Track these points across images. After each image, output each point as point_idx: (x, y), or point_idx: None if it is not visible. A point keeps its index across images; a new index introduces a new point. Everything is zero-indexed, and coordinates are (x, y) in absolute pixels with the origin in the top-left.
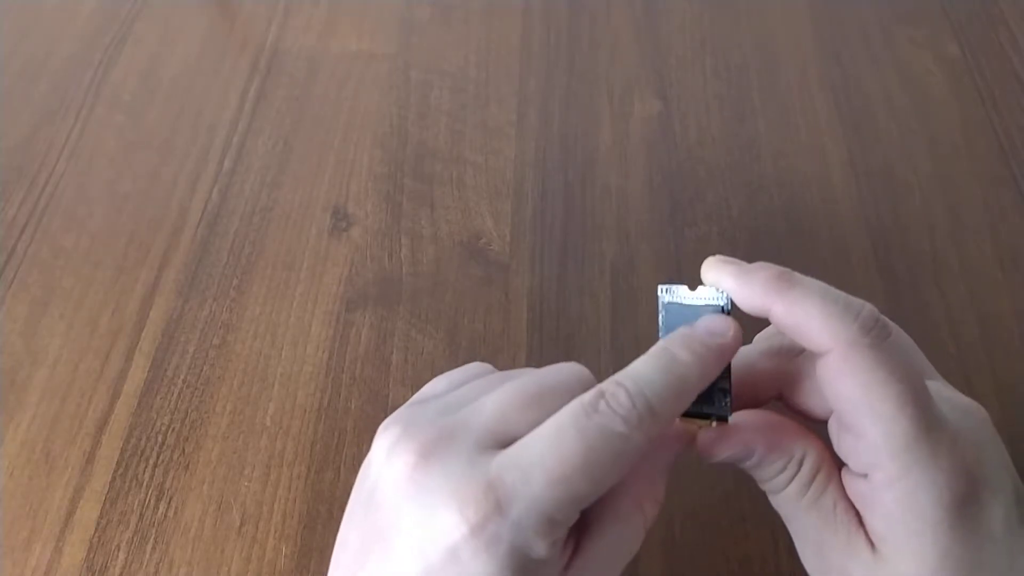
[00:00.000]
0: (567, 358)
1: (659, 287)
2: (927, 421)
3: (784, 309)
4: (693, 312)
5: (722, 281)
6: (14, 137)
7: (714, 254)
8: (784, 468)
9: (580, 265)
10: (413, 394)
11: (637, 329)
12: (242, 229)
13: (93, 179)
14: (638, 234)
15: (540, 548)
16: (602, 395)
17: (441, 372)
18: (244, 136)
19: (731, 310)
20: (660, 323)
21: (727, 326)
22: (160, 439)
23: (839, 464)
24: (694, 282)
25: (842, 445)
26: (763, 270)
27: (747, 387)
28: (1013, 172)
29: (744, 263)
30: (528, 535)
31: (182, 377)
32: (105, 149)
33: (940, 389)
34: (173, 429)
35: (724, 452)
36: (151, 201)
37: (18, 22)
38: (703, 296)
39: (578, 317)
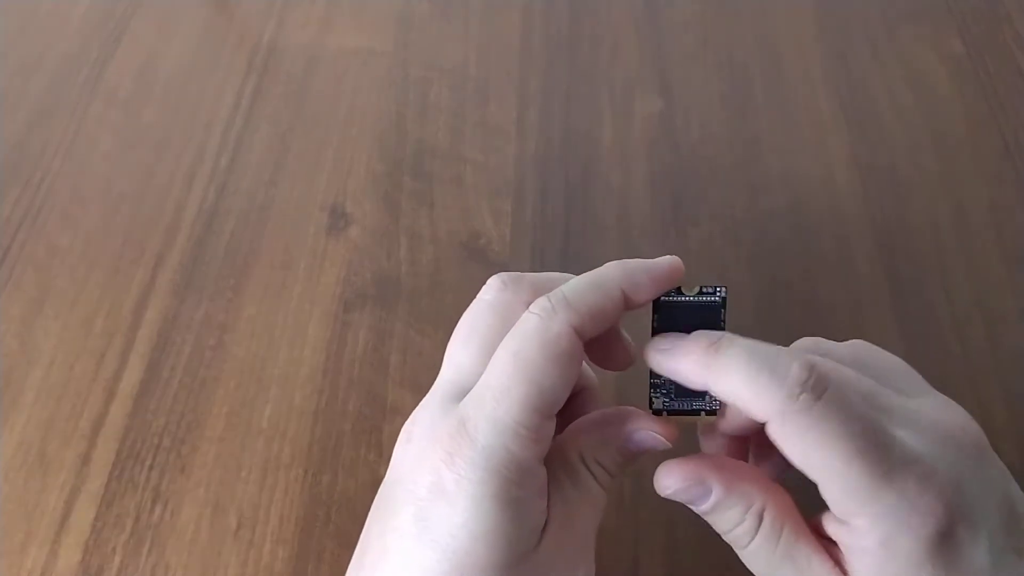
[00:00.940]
0: None
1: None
2: (885, 466)
3: (715, 387)
4: (691, 309)
5: (662, 367)
6: (9, 135)
7: (717, 254)
8: (743, 518)
9: (581, 265)
10: (412, 396)
11: (638, 329)
12: (239, 228)
13: (88, 178)
14: (640, 233)
15: (514, 468)
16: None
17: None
18: (241, 134)
19: (726, 305)
20: (655, 323)
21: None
22: (156, 441)
23: (802, 518)
24: (696, 282)
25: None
26: (694, 343)
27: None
28: (1018, 170)
29: (681, 342)
30: (499, 455)
31: (178, 378)
32: (101, 147)
33: (921, 414)
34: (169, 431)
35: (677, 482)
36: (147, 200)
37: (13, 19)
38: (697, 294)
39: None
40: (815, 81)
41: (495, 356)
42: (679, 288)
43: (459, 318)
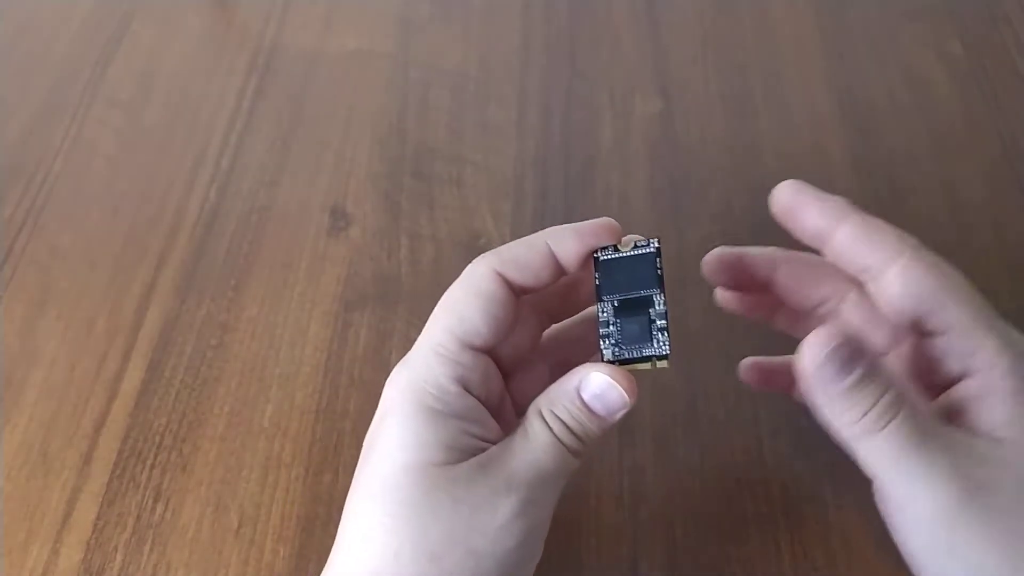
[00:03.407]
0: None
1: (595, 253)
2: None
3: (859, 221)
4: (628, 263)
5: (799, 197)
6: (10, 136)
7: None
8: (886, 391)
9: None
10: None
11: None
12: (240, 229)
13: (90, 178)
14: (640, 233)
15: (431, 382)
16: None
17: None
18: (242, 135)
19: (660, 254)
20: (596, 281)
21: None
22: (158, 440)
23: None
24: (698, 284)
25: (927, 356)
26: (833, 198)
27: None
28: (1017, 171)
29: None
30: (420, 371)
31: (179, 378)
32: (102, 148)
33: None
34: (171, 430)
35: (834, 340)
36: (148, 201)
37: (15, 20)
38: (632, 249)
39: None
40: (815, 82)
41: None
42: (615, 246)
43: None
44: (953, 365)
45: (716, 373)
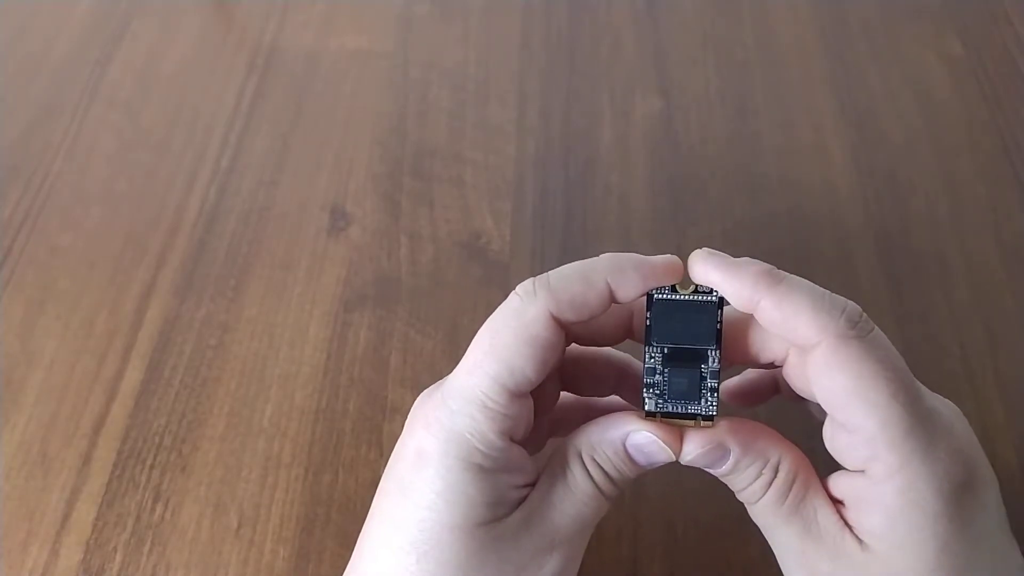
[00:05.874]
0: None
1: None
2: (921, 410)
3: (772, 303)
4: (685, 308)
5: (709, 275)
6: (10, 136)
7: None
8: (759, 474)
9: None
10: (412, 395)
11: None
12: (239, 229)
13: (89, 178)
14: (640, 233)
15: (479, 437)
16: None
17: (441, 373)
18: (241, 135)
19: (722, 306)
20: (648, 321)
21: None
22: (157, 440)
23: (815, 471)
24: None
25: (836, 443)
26: (751, 265)
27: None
28: (1017, 172)
29: (731, 257)
30: (465, 422)
31: (179, 378)
32: (102, 148)
33: (919, 386)
34: (170, 431)
35: (697, 448)
36: (148, 200)
37: (14, 20)
38: (692, 293)
39: None
40: (815, 82)
41: (477, 333)
42: (674, 286)
43: (459, 318)
44: (854, 459)
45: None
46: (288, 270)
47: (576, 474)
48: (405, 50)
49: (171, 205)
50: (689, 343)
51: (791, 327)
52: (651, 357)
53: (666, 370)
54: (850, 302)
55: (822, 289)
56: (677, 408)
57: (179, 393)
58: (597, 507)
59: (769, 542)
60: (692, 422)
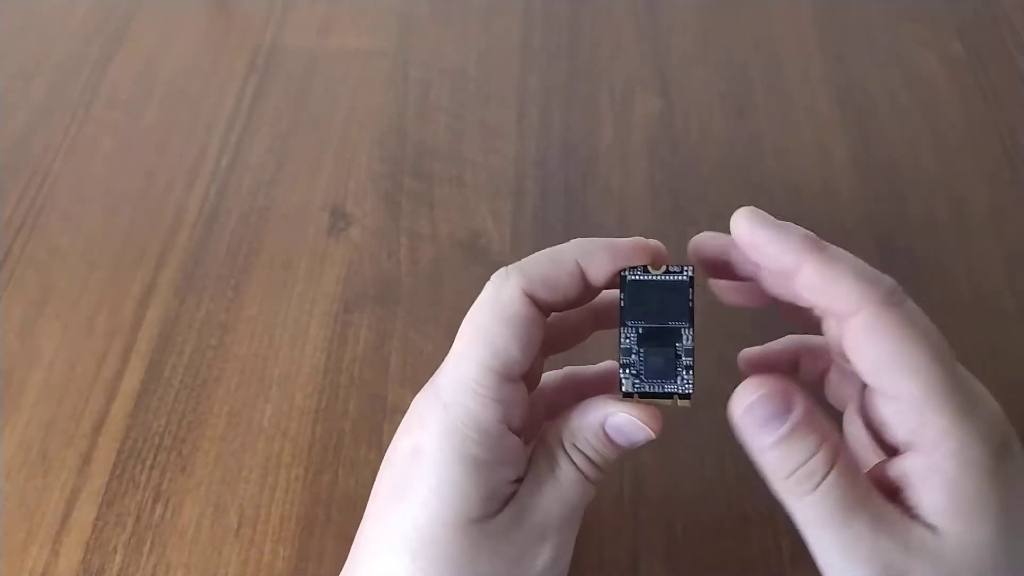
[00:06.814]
0: (568, 360)
1: (623, 271)
2: (960, 373)
3: (816, 268)
4: (658, 288)
5: (755, 233)
6: (10, 136)
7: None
8: (818, 449)
9: None
10: (412, 395)
11: None
12: (239, 229)
13: (90, 178)
14: (639, 233)
15: (472, 426)
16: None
17: None
18: (241, 135)
19: (693, 284)
20: (622, 303)
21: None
22: (157, 440)
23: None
24: (697, 284)
25: (882, 415)
26: (797, 228)
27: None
28: (1017, 171)
29: (775, 219)
30: (459, 412)
31: (179, 378)
32: (102, 148)
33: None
34: (170, 431)
35: (752, 394)
36: (148, 200)
37: (14, 20)
38: (664, 273)
39: None
40: (815, 81)
41: (459, 328)
42: (646, 267)
43: (459, 318)
44: (901, 434)
45: (716, 373)
46: (288, 270)
47: (560, 463)
48: (405, 50)
49: (171, 205)
50: (662, 322)
51: (832, 293)
52: (626, 338)
53: (641, 350)
54: (886, 275)
55: (862, 261)
56: (654, 388)
57: (179, 393)
58: (584, 492)
59: (812, 539)
60: (670, 401)
